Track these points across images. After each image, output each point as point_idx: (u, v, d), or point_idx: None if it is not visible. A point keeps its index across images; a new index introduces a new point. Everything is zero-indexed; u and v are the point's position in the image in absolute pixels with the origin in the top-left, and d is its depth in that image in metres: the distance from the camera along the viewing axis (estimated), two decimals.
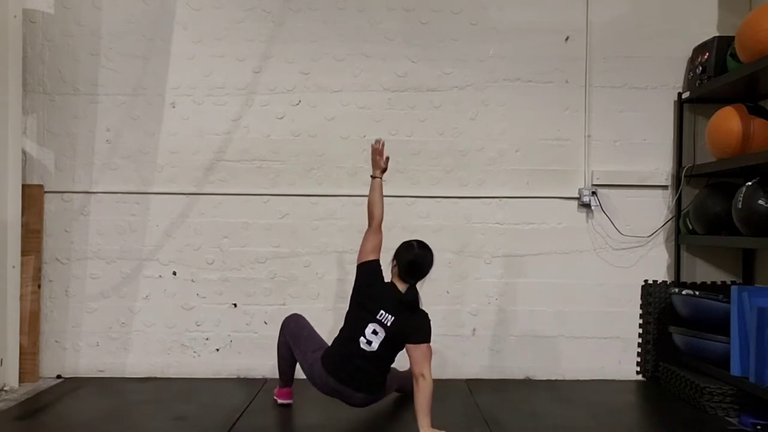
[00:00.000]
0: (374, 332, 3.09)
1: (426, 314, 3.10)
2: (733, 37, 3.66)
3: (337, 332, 3.27)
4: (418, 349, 2.98)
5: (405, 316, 3.08)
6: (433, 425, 2.91)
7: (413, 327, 3.05)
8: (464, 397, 3.65)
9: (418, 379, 2.93)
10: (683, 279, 4.11)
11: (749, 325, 3.32)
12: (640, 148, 4.16)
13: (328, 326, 3.84)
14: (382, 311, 3.09)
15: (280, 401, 3.50)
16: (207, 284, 4.11)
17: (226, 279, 4.12)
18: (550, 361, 4.12)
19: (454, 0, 4.14)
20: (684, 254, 4.15)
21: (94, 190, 4.11)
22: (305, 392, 3.61)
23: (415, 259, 3.13)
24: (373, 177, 3.34)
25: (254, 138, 4.13)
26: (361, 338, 3.11)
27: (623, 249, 4.15)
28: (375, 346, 3.09)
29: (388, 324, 3.07)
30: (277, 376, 3.52)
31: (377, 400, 3.25)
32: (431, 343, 3.03)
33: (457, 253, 4.13)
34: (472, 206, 4.14)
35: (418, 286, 3.18)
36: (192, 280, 4.11)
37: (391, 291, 3.14)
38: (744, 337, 3.36)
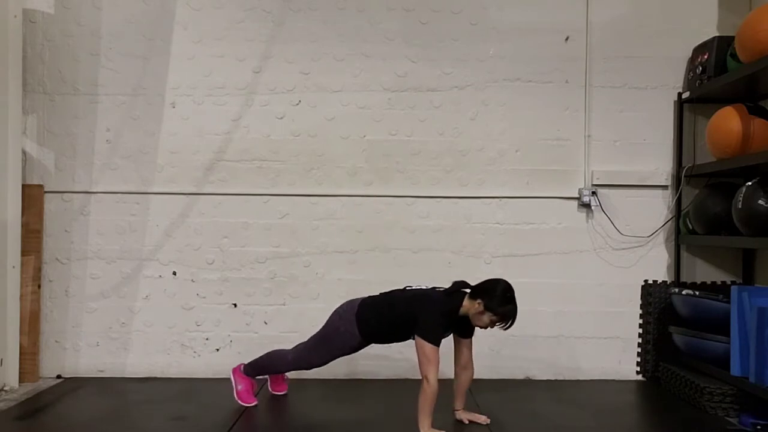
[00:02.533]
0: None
1: (438, 314, 3.04)
2: (733, 37, 3.66)
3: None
4: (417, 343, 2.97)
5: (437, 294, 3.14)
6: (434, 425, 2.92)
7: (424, 312, 3.04)
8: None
9: (422, 380, 2.94)
10: (683, 279, 4.11)
11: (749, 325, 3.32)
12: (640, 148, 4.16)
13: None
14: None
15: (273, 392, 3.63)
16: (207, 284, 4.11)
17: (226, 279, 4.12)
18: (550, 361, 4.12)
19: (454, 0, 4.14)
20: (684, 254, 4.15)
21: (94, 190, 4.11)
22: (305, 392, 3.62)
23: (514, 312, 3.13)
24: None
25: (254, 138, 4.13)
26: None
27: (623, 249, 4.15)
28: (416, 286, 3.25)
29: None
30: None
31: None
32: (440, 347, 2.99)
33: (457, 253, 4.13)
34: (472, 206, 4.14)
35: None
36: (192, 280, 4.11)
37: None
38: (744, 337, 3.36)
